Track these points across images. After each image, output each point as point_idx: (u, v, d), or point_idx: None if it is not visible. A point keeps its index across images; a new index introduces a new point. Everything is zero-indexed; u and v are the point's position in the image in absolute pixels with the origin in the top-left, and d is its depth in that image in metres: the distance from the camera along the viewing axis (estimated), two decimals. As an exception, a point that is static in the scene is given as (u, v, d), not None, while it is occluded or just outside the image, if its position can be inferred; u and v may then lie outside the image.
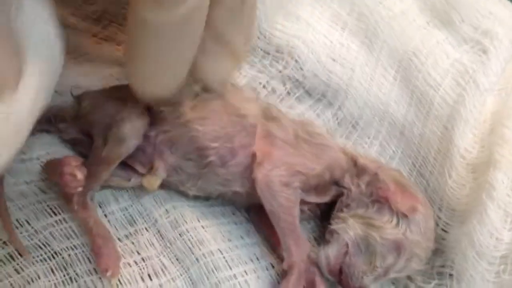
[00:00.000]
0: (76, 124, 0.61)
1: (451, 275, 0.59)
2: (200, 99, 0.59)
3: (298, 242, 0.57)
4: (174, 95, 0.53)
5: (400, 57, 0.70)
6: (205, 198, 0.62)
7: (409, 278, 0.62)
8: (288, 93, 0.71)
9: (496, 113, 0.64)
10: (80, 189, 0.55)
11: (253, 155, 0.58)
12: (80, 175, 0.54)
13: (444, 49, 0.70)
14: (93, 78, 0.68)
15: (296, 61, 0.71)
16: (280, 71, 0.72)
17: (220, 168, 0.59)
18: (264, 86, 0.71)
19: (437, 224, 0.61)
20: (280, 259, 0.59)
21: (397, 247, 0.56)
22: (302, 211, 0.59)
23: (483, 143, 0.62)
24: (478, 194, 0.58)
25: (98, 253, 0.54)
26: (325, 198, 0.61)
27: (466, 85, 0.65)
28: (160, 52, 0.40)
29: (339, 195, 0.61)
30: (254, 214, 0.63)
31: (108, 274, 0.52)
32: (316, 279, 0.58)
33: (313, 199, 0.61)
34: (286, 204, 0.57)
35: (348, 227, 0.57)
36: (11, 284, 0.52)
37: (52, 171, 0.56)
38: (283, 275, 0.57)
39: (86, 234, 0.55)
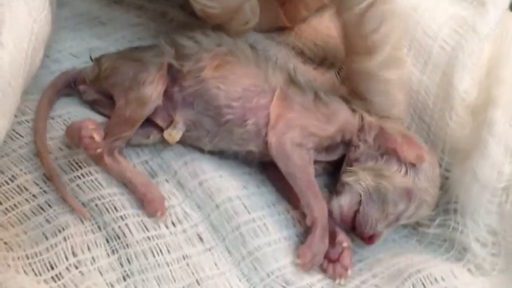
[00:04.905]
0: (96, 86, 0.62)
1: (455, 210, 0.62)
2: (224, 60, 0.61)
3: (318, 198, 0.59)
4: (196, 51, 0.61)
5: (399, 11, 0.72)
6: (219, 153, 0.64)
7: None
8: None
9: (492, 59, 0.66)
10: (99, 150, 0.57)
11: (268, 117, 0.60)
12: (97, 137, 0.56)
13: (443, 5, 0.71)
14: (106, 40, 0.69)
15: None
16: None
17: (237, 128, 0.60)
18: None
19: (440, 165, 0.64)
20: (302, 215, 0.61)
21: (408, 194, 0.59)
22: (314, 169, 0.61)
23: (481, 86, 0.64)
24: (478, 132, 0.60)
25: (144, 199, 0.57)
26: (334, 156, 0.64)
27: (465, 33, 0.66)
28: (368, 83, 0.65)
29: (347, 151, 0.64)
30: (271, 172, 0.64)
31: (158, 214, 0.57)
32: (336, 230, 0.61)
33: (323, 157, 0.63)
34: (300, 163, 0.59)
35: (360, 179, 0.60)
36: (43, 233, 0.55)
37: (72, 136, 0.58)
38: (307, 231, 0.60)
39: (126, 186, 0.58)
